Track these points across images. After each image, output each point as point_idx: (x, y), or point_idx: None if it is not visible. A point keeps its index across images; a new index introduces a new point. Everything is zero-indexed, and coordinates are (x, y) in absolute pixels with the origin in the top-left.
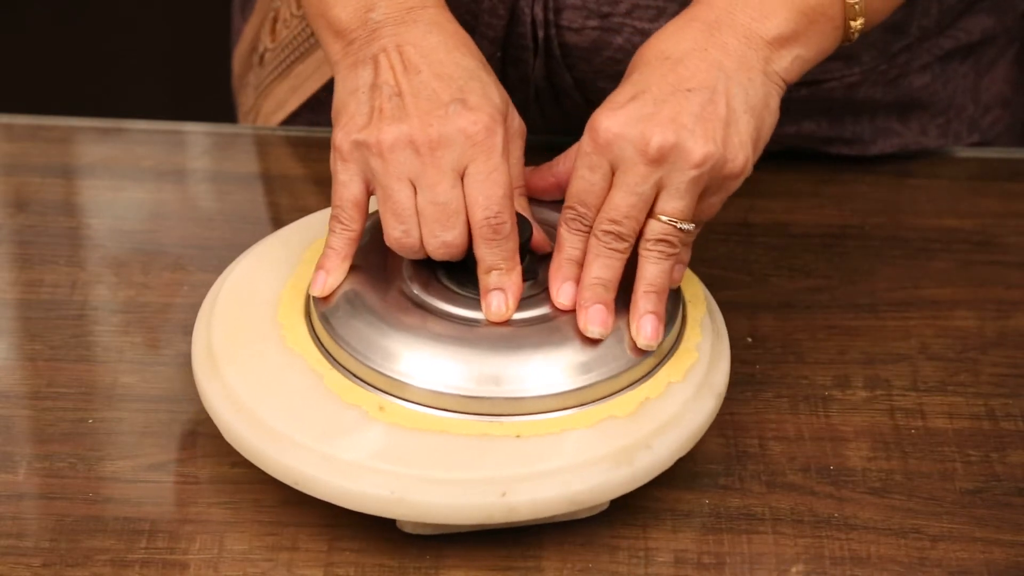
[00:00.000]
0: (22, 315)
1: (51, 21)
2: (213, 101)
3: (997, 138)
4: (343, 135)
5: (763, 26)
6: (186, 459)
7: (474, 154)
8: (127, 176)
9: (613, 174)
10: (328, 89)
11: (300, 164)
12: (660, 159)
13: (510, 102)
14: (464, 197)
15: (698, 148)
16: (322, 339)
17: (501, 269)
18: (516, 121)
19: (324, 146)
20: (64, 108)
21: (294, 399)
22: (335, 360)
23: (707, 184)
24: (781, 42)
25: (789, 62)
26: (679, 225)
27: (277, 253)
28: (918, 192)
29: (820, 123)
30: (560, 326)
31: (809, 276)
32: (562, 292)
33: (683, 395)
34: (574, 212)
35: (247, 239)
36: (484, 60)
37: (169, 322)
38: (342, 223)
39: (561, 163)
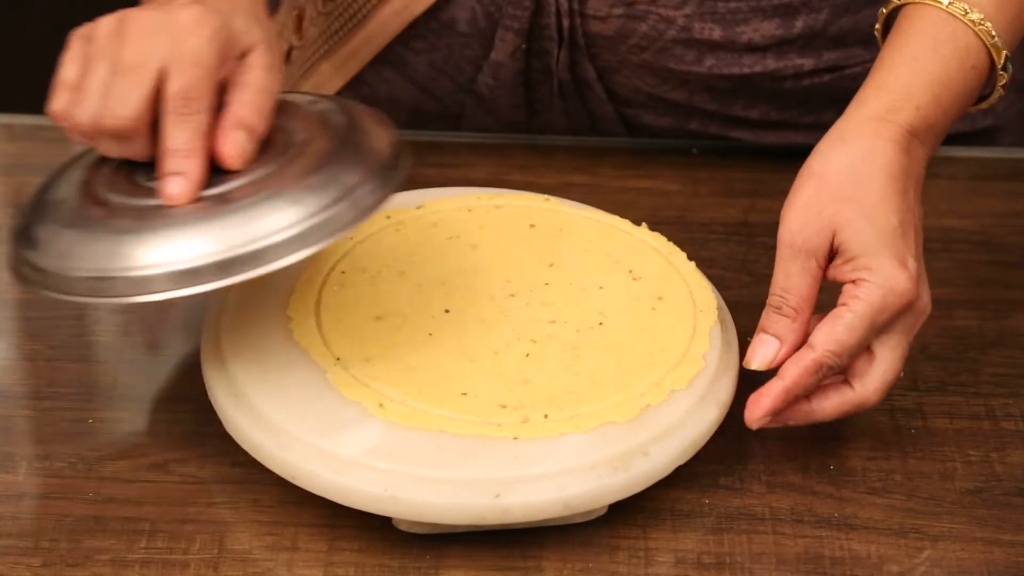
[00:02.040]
0: (22, 315)
1: (51, 21)
2: None
3: (1010, 123)
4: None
5: (934, 151)
6: (186, 459)
7: (180, 39)
8: None
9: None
10: (350, 87)
11: None
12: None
13: (268, 47)
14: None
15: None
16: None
17: (182, 152)
18: (266, 58)
19: None
20: None
21: (295, 393)
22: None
23: None
24: (938, 147)
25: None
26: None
27: None
28: None
29: (840, 112)
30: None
31: None
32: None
33: (685, 403)
34: (836, 363)
35: None
36: (262, 9)
37: (169, 322)
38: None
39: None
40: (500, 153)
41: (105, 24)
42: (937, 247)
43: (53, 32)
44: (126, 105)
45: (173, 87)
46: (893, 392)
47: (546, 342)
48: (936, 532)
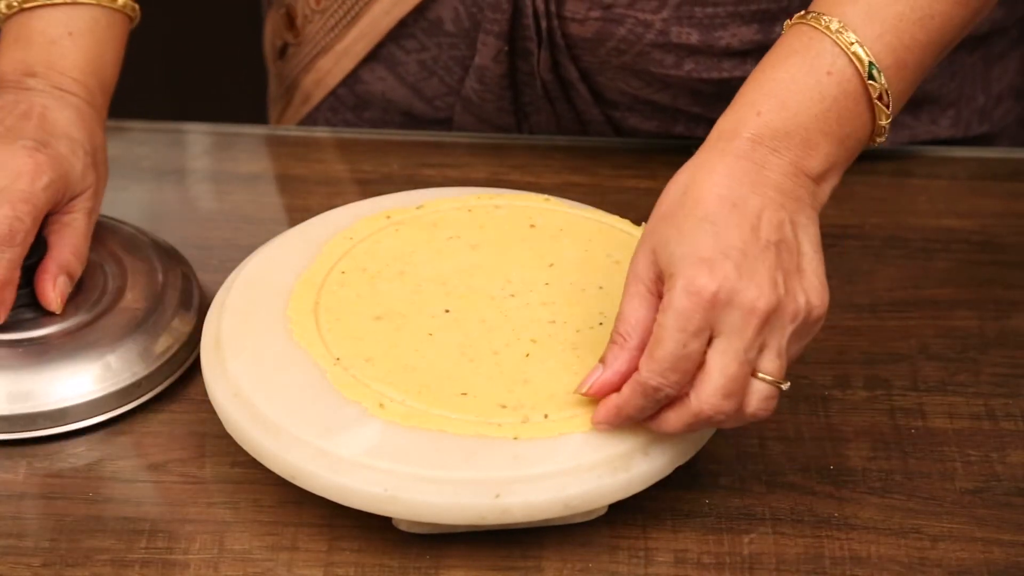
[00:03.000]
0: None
1: None
2: (213, 101)
3: (1006, 128)
4: None
5: (808, 164)
6: (186, 459)
7: (14, 179)
8: (127, 176)
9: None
10: (346, 84)
11: (300, 164)
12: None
13: (96, 191)
14: None
15: (794, 302)
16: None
17: None
18: (91, 203)
19: (323, 146)
20: None
21: (296, 393)
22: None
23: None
24: (822, 177)
25: (826, 196)
26: (783, 386)
27: (296, 246)
28: (918, 192)
29: None
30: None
31: None
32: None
33: None
34: (659, 382)
35: (247, 239)
36: (101, 149)
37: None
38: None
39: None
40: (499, 153)
41: None
42: (937, 247)
43: None
44: None
45: None
46: (893, 392)
47: (546, 342)
48: (936, 532)
